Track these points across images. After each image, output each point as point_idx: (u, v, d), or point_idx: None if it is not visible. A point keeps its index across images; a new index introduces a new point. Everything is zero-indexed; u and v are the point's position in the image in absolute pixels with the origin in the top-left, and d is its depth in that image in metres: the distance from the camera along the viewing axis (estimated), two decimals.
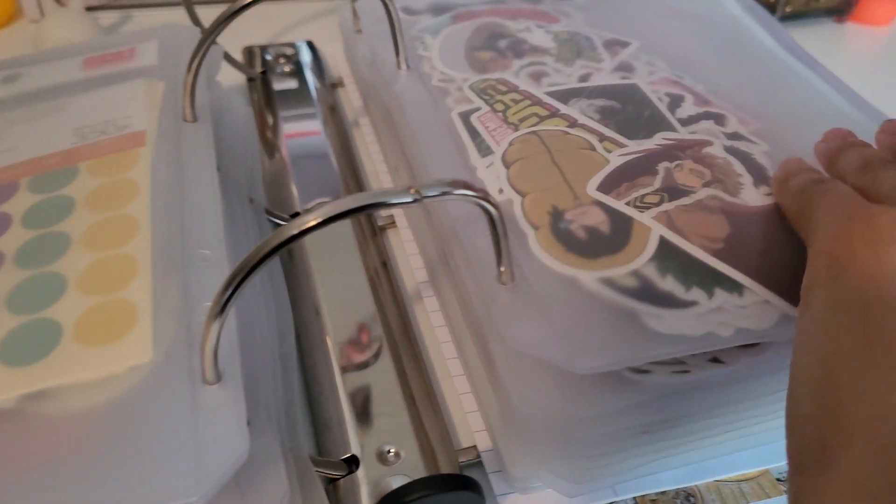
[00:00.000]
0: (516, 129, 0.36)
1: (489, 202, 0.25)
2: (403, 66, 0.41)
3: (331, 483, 0.30)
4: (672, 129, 0.36)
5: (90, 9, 0.60)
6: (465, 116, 0.37)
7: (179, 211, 0.31)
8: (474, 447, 0.32)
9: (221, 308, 0.23)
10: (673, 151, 0.34)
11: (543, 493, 0.31)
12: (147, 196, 0.32)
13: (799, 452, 0.23)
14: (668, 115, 0.37)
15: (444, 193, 0.24)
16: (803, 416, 0.23)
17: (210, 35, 0.35)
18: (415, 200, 0.23)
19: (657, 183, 0.32)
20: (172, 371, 0.25)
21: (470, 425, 0.33)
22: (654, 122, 0.36)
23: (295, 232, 0.23)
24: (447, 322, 0.37)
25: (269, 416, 0.28)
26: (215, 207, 0.31)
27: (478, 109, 0.37)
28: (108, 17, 0.61)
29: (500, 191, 0.32)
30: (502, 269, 0.28)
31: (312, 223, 0.23)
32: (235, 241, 0.33)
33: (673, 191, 0.32)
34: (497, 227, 0.26)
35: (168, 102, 0.37)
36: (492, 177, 0.33)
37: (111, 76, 0.39)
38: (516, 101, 0.37)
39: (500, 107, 0.37)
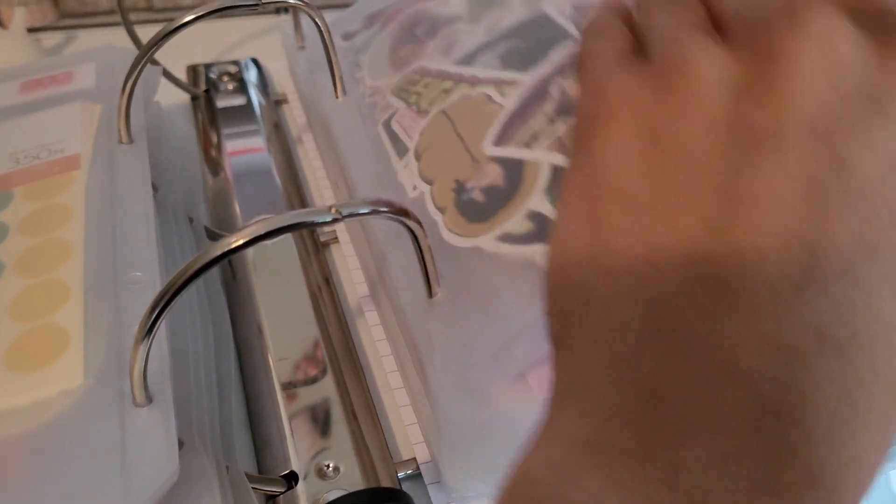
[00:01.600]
0: (426, 116, 0.35)
1: (409, 219, 0.25)
2: (340, 91, 0.41)
3: (270, 500, 0.30)
4: (575, 40, 0.32)
5: (32, 30, 0.60)
6: (387, 123, 0.37)
7: (112, 234, 0.31)
8: (414, 459, 0.33)
9: (148, 330, 0.24)
10: (568, 64, 0.31)
11: (480, 503, 0.31)
12: (80, 220, 0.32)
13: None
14: (573, 30, 0.33)
15: (365, 213, 0.24)
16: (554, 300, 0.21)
17: (143, 56, 0.35)
18: (335, 220, 0.23)
19: (549, 108, 0.30)
20: (103, 394, 0.26)
21: (409, 437, 0.34)
22: (555, 41, 0.32)
23: (217, 254, 0.23)
24: (387, 335, 0.37)
25: (204, 435, 0.28)
26: (149, 229, 0.31)
27: (396, 112, 0.37)
28: (50, 39, 0.61)
29: (415, 187, 0.32)
30: (430, 282, 0.28)
31: (234, 245, 0.23)
32: (172, 262, 0.34)
33: (566, 109, 0.29)
34: (420, 242, 0.27)
35: (105, 125, 0.37)
36: (408, 176, 0.33)
37: (48, 100, 0.39)
38: (427, 86, 0.37)
39: (413, 99, 0.37)
